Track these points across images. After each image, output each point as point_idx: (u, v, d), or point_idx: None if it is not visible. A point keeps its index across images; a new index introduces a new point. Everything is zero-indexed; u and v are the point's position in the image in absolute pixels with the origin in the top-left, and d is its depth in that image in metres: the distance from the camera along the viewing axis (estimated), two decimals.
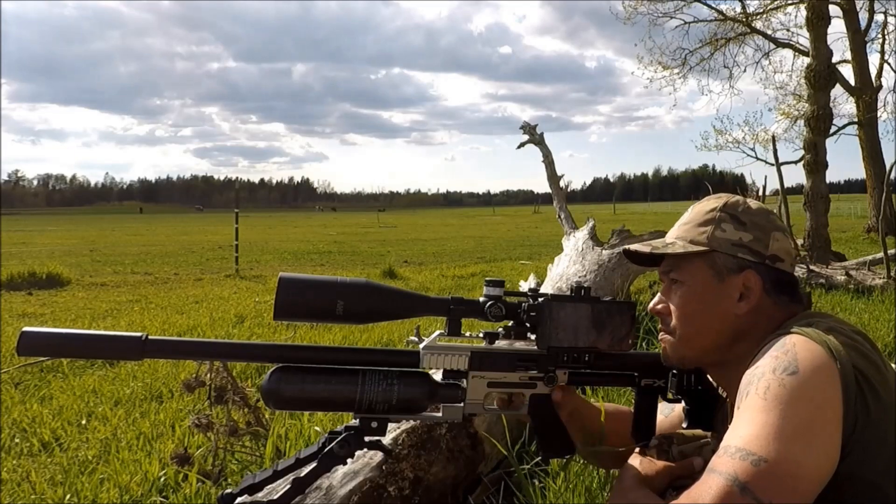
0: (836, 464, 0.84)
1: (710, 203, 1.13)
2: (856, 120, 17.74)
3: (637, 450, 1.11)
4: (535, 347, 1.11)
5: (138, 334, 0.94)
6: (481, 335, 1.12)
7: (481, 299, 1.08)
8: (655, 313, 1.16)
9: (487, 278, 1.11)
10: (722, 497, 0.79)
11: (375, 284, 1.04)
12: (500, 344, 1.12)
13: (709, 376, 1.20)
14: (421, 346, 1.06)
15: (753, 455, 0.81)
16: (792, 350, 0.90)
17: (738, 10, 19.01)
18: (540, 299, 1.10)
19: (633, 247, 1.17)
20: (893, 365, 0.97)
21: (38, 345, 0.92)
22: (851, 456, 0.86)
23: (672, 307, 1.12)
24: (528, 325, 1.10)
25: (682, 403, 1.22)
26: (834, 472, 0.85)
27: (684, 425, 1.21)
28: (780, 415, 0.84)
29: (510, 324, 1.11)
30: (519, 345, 1.13)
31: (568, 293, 1.12)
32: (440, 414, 1.09)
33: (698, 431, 1.14)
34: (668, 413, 1.30)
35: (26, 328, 0.91)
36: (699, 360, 1.13)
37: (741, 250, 1.07)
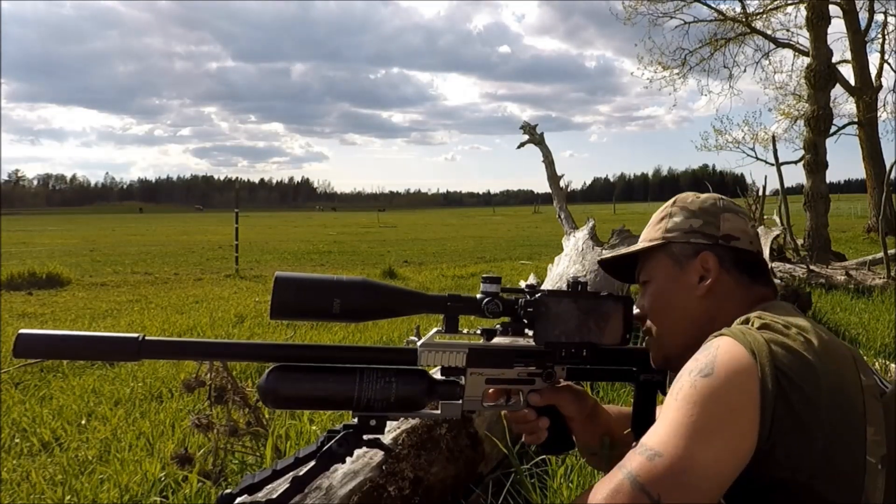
0: (742, 464, 0.83)
1: (664, 205, 1.21)
2: (856, 120, 17.73)
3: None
4: (533, 344, 1.11)
5: (134, 335, 0.93)
6: (479, 332, 1.12)
7: (478, 296, 1.08)
8: (636, 319, 1.18)
9: (484, 275, 1.11)
10: (615, 490, 0.82)
11: (372, 282, 1.03)
12: (498, 341, 1.12)
13: None
14: (418, 343, 1.06)
15: (651, 451, 0.83)
16: (714, 352, 0.90)
17: (738, 10, 19.00)
18: (536, 295, 1.09)
19: (605, 256, 1.26)
20: (894, 365, 0.96)
21: (34, 347, 0.91)
22: (773, 458, 0.84)
23: (646, 307, 1.16)
24: (525, 321, 1.10)
25: None
26: (755, 474, 0.84)
27: None
28: (685, 414, 0.84)
29: (507, 320, 1.11)
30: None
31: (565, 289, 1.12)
32: (439, 411, 1.09)
33: None
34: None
35: (22, 330, 0.90)
36: (682, 359, 1.12)
37: (693, 235, 1.12)
